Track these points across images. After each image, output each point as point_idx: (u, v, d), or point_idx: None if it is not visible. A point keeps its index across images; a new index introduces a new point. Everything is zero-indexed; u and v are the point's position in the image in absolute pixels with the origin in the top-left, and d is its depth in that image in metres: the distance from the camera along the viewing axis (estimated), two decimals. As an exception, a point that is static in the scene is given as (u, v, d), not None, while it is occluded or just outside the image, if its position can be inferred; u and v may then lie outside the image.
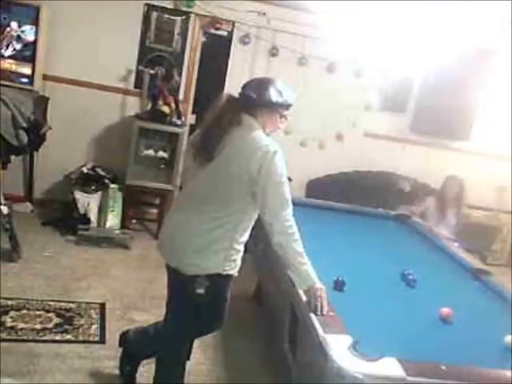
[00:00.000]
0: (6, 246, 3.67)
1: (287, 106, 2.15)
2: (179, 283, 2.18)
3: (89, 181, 4.50)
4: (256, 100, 2.08)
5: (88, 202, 4.38)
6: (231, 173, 2.01)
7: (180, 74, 4.86)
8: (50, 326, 2.98)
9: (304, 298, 2.04)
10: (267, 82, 2.13)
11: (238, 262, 2.15)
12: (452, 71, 4.85)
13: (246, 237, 2.14)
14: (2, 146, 3.88)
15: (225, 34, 4.88)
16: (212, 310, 2.19)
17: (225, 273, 2.09)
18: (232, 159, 2.02)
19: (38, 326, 2.94)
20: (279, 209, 2.00)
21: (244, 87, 2.15)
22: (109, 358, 2.77)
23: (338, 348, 1.70)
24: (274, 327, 2.57)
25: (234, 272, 2.14)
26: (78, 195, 4.39)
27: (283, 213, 2.00)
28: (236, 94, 2.15)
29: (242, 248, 2.15)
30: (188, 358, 2.37)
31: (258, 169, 1.95)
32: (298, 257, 2.02)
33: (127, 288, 3.62)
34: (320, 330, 1.82)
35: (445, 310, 2.25)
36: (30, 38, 4.34)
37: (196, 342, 2.47)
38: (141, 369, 2.51)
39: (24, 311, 3.07)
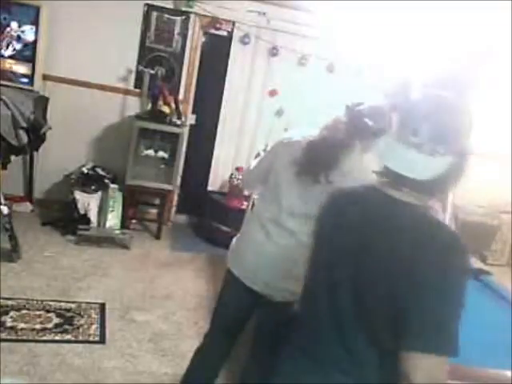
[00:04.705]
0: (6, 246, 3.67)
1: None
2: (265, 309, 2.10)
3: (89, 181, 4.50)
4: (373, 129, 2.01)
5: (88, 202, 4.38)
6: None
7: (180, 74, 4.86)
8: (50, 326, 2.98)
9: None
10: (382, 109, 2.07)
11: None
12: (452, 71, 4.84)
13: None
14: (2, 146, 3.88)
15: (225, 33, 4.88)
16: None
17: None
18: (348, 183, 1.95)
19: (38, 326, 2.95)
20: None
21: (357, 113, 2.06)
22: (109, 358, 2.78)
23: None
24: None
25: None
26: (78, 195, 4.39)
27: None
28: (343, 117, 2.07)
29: None
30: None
31: None
32: None
33: (127, 288, 3.62)
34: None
35: None
36: (30, 38, 4.34)
37: (196, 344, 2.46)
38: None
39: (24, 311, 3.07)
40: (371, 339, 1.29)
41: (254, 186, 2.39)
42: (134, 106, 4.77)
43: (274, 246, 2.04)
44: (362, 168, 2.00)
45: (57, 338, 2.89)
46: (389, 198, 1.32)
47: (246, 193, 4.79)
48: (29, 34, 4.33)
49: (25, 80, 4.38)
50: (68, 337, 2.91)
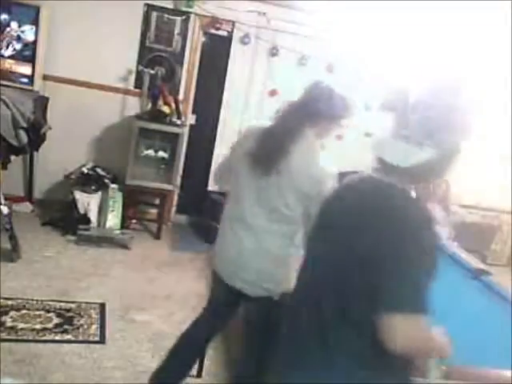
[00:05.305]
0: (6, 246, 3.67)
1: (348, 116, 2.05)
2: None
3: (89, 181, 4.50)
4: (325, 113, 1.95)
5: (88, 202, 4.38)
6: (295, 188, 1.93)
7: (180, 74, 4.86)
8: (50, 326, 2.98)
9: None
10: (332, 93, 1.98)
11: None
12: (452, 71, 4.84)
13: None
14: (2, 146, 3.89)
15: (225, 33, 4.88)
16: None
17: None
18: (296, 175, 1.92)
19: (38, 326, 2.94)
20: None
21: (309, 96, 1.98)
22: (109, 358, 2.78)
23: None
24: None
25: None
26: (78, 195, 4.39)
27: None
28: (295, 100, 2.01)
29: None
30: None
31: (317, 192, 1.85)
32: None
33: (127, 288, 3.62)
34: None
35: None
36: (30, 37, 4.34)
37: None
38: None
39: (24, 311, 3.07)
40: (355, 334, 1.31)
41: (224, 180, 2.32)
42: (134, 105, 4.77)
43: (240, 245, 2.02)
44: (314, 156, 1.94)
45: (57, 338, 2.89)
46: (376, 182, 1.38)
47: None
48: (29, 34, 4.33)
49: (25, 80, 4.38)
50: (68, 337, 2.91)
